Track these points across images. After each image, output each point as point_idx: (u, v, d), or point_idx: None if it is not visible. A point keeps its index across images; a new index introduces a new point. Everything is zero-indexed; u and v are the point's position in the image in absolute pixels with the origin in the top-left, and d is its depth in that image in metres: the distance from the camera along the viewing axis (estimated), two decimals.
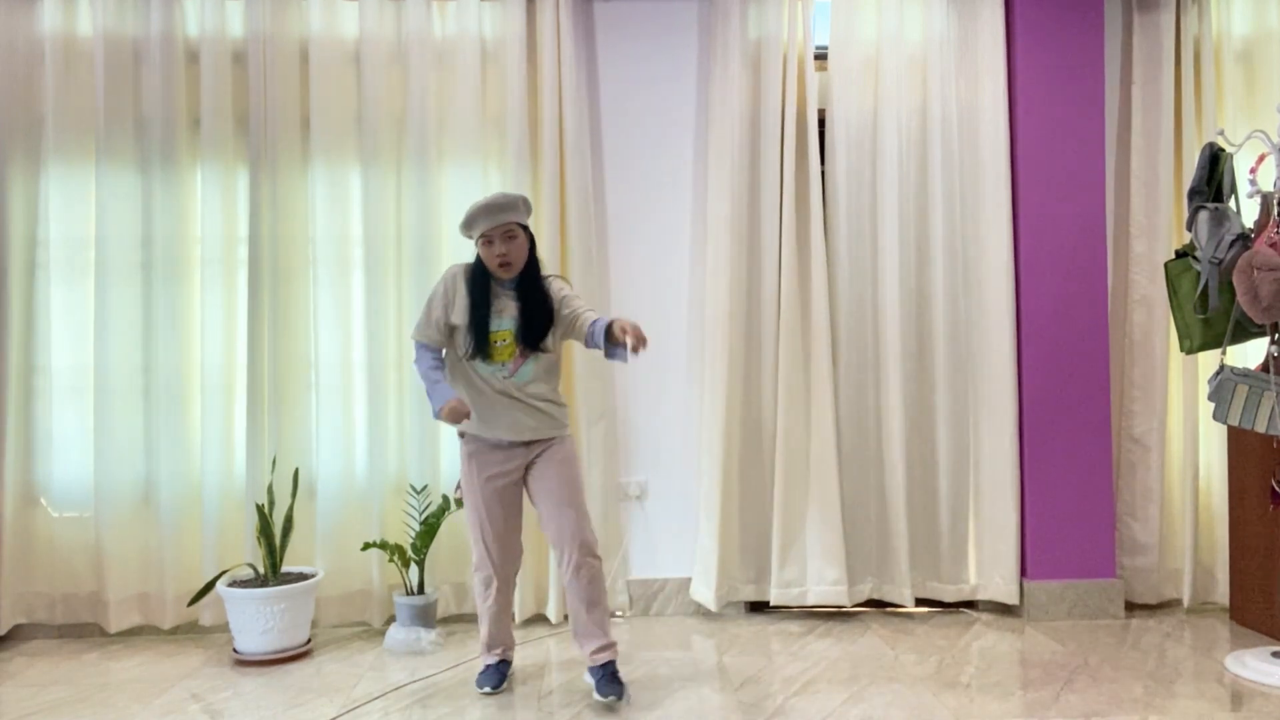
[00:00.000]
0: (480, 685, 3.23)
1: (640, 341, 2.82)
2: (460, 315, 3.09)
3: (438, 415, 3.00)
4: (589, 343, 3.03)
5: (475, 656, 3.62)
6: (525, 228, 3.12)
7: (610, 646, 3.12)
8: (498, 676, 3.25)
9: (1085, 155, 4.03)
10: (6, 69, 3.85)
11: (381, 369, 3.97)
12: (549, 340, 3.12)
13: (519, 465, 3.17)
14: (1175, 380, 4.15)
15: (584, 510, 3.13)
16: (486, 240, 3.05)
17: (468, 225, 3.07)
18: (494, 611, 3.24)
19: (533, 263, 3.14)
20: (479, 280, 3.10)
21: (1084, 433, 4.01)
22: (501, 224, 3.03)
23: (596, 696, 3.06)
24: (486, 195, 3.14)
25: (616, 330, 2.90)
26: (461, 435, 3.21)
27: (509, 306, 3.11)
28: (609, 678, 3.08)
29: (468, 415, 3.01)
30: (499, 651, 3.30)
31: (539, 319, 3.09)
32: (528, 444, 3.15)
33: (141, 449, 3.93)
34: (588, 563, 3.08)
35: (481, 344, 3.06)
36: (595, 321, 3.03)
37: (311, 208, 3.99)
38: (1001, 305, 4.02)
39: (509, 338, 3.09)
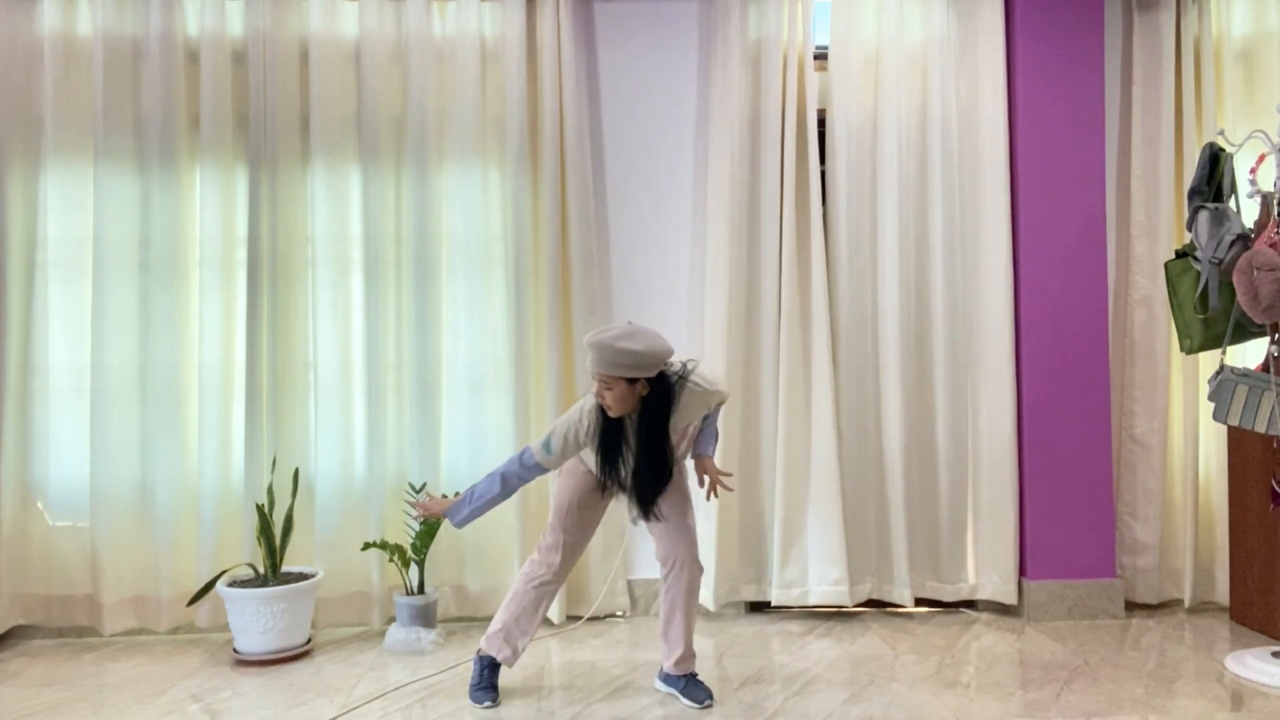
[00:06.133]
0: (479, 700, 3.11)
1: (715, 486, 3.07)
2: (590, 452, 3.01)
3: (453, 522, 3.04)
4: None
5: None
6: (636, 380, 2.85)
7: (693, 657, 3.17)
8: (494, 691, 3.14)
9: (1085, 155, 4.03)
10: (6, 69, 3.85)
11: (381, 369, 3.96)
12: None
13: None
14: (1175, 380, 4.15)
15: (689, 528, 3.12)
16: (598, 380, 2.87)
17: (592, 360, 2.85)
18: (531, 598, 3.12)
19: (654, 410, 2.90)
20: (607, 420, 2.94)
21: (1084, 432, 4.01)
22: (599, 371, 2.84)
23: (687, 702, 3.09)
24: (617, 332, 2.83)
25: (702, 470, 3.10)
26: None
27: (628, 453, 2.97)
28: (694, 684, 3.12)
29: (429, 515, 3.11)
30: (508, 654, 3.15)
31: (651, 485, 2.96)
32: None
33: (139, 450, 3.92)
34: (675, 576, 3.12)
35: (610, 482, 2.99)
36: (704, 438, 3.12)
37: (311, 208, 3.99)
38: (1001, 305, 4.02)
39: None
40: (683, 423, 3.01)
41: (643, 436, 2.92)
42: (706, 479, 3.00)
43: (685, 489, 3.16)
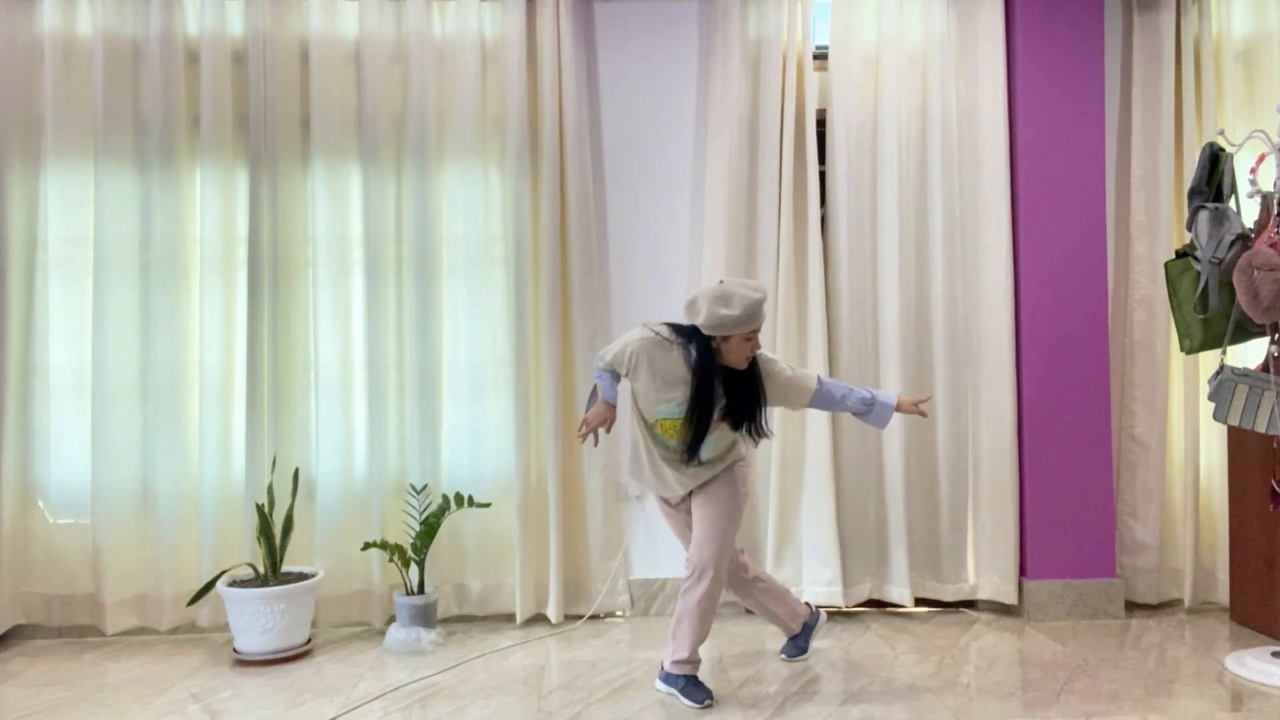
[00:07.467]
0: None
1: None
2: (642, 383, 3.13)
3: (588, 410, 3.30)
4: (832, 409, 3.28)
5: (475, 656, 3.62)
6: None
7: (696, 663, 3.17)
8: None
9: (1085, 155, 4.03)
10: (6, 69, 3.85)
11: (381, 369, 3.96)
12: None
13: (686, 496, 3.30)
14: (1175, 380, 4.15)
15: (718, 536, 3.13)
16: (747, 337, 3.03)
17: (742, 323, 2.97)
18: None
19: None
20: (673, 358, 3.09)
21: (1084, 432, 4.00)
22: (752, 329, 3.02)
23: (687, 703, 3.10)
24: (740, 288, 3.01)
25: (908, 408, 3.27)
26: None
27: (678, 393, 3.08)
28: (694, 684, 3.13)
29: (605, 424, 3.24)
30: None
31: (750, 405, 3.12)
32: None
33: (139, 450, 3.92)
34: (692, 582, 3.14)
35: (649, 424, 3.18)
36: (875, 401, 3.23)
37: (311, 208, 3.99)
38: (1001, 305, 4.02)
39: (676, 425, 3.11)
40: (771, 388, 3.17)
41: (745, 374, 3.11)
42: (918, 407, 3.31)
43: (735, 488, 3.19)
